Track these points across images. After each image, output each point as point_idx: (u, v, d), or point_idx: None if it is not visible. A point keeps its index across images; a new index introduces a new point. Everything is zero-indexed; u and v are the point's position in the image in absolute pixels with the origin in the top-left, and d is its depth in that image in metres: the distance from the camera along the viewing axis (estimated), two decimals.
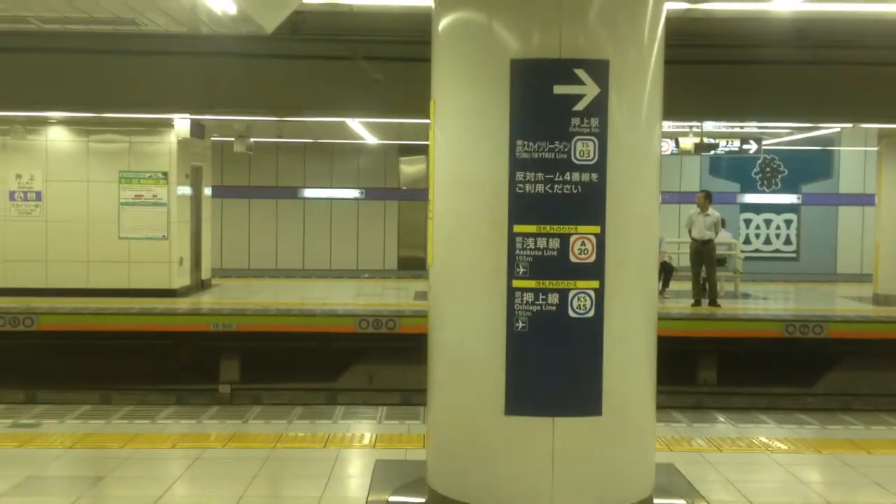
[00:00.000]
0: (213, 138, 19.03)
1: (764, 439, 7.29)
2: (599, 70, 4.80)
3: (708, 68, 12.39)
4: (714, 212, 15.38)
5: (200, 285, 17.55)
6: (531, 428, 4.91)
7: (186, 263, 16.71)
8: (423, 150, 22.78)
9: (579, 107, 4.79)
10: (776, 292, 18.73)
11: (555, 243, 4.83)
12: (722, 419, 10.66)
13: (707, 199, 15.39)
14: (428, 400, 5.37)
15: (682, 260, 19.14)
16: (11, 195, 16.07)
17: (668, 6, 5.20)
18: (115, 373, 13.75)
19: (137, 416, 9.41)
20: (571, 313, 4.85)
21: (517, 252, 4.85)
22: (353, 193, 24.70)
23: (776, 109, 13.07)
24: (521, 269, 4.85)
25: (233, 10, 7.52)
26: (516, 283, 4.86)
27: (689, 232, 15.47)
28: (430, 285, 5.31)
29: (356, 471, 6.38)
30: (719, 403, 12.93)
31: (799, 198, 24.77)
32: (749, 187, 24.80)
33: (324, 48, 12.01)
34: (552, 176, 4.80)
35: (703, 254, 15.23)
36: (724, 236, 17.10)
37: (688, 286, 16.07)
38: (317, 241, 24.65)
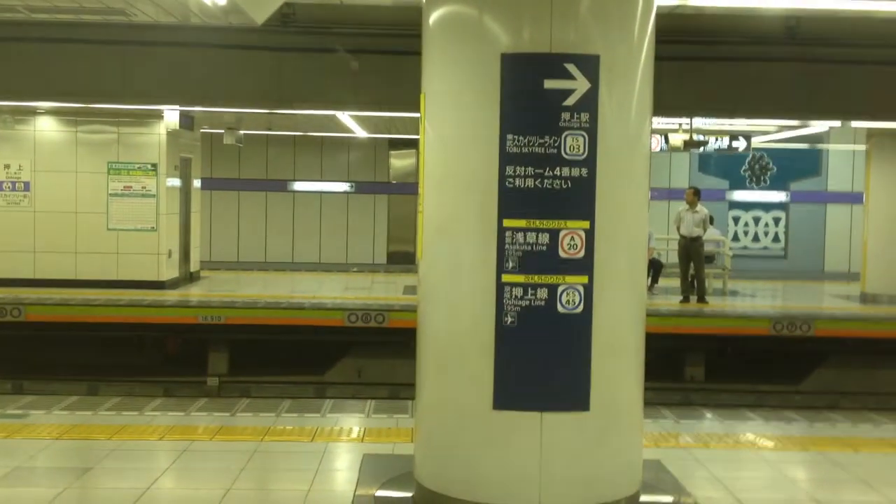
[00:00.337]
0: (202, 130, 18.97)
1: (751, 436, 7.31)
2: (590, 65, 4.80)
3: (698, 64, 12.41)
4: (702, 208, 15.40)
5: (189, 277, 17.50)
6: (519, 422, 4.92)
7: (175, 255, 16.66)
8: (413, 144, 22.78)
9: (569, 101, 4.79)
10: (764, 290, 18.77)
11: (544, 238, 4.83)
12: (709, 416, 10.68)
13: (696, 195, 15.42)
14: (416, 394, 5.36)
15: (671, 256, 19.17)
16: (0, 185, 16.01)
17: (658, 2, 5.21)
18: (103, 364, 13.72)
19: (125, 408, 9.39)
20: (560, 308, 4.86)
21: (506, 246, 4.85)
22: (342, 187, 24.67)
23: (766, 106, 13.09)
24: (511, 264, 4.85)
25: (223, 0, 7.49)
26: (505, 278, 4.86)
27: (678, 229, 15.49)
28: (420, 279, 5.31)
29: (344, 465, 6.38)
30: (707, 400, 12.97)
31: (787, 195, 24.83)
32: (738, 184, 24.85)
33: (314, 41, 11.98)
34: (542, 170, 4.81)
35: (692, 250, 15.26)
36: (712, 233, 17.13)
37: (676, 282, 16.10)
38: (306, 234, 24.61)
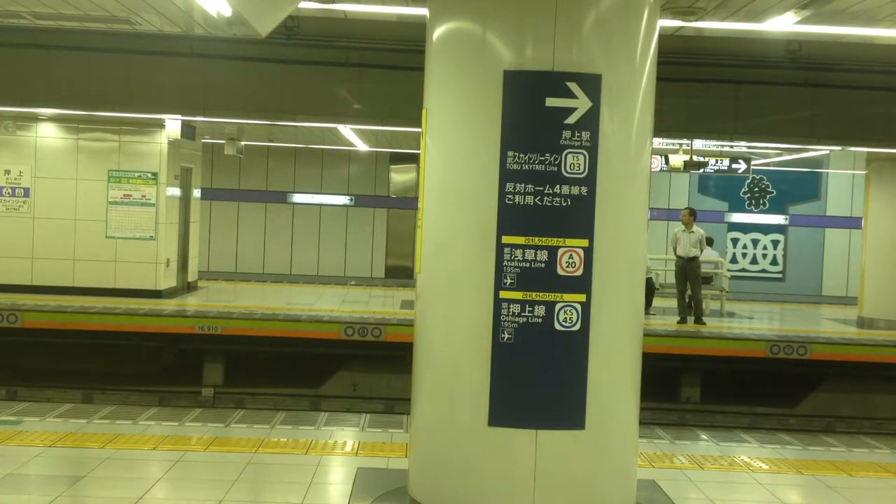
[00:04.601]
0: (203, 140, 18.99)
1: (746, 458, 7.30)
2: (592, 84, 4.82)
3: (699, 86, 12.45)
4: (698, 229, 15.39)
5: (186, 287, 17.49)
6: (514, 440, 4.91)
7: (173, 265, 16.65)
8: (413, 159, 22.79)
9: (571, 120, 4.80)
10: (761, 312, 18.77)
11: (543, 255, 4.84)
12: (704, 437, 10.67)
13: (691, 216, 15.42)
14: (411, 409, 5.36)
15: (669, 277, 19.18)
16: None
17: (660, 23, 5.23)
18: (98, 372, 13.69)
19: (119, 417, 9.35)
20: (557, 326, 4.86)
21: (505, 263, 4.86)
22: (342, 200, 24.69)
23: (766, 129, 13.13)
24: (509, 280, 4.86)
25: (228, 12, 7.50)
26: (503, 294, 4.87)
27: (674, 250, 15.48)
28: (417, 294, 5.31)
29: (337, 478, 6.36)
30: (702, 421, 12.95)
31: (786, 218, 24.87)
32: (737, 206, 24.89)
33: (318, 54, 12.02)
34: (542, 188, 4.82)
35: (689, 271, 15.25)
36: (710, 255, 17.12)
37: (673, 303, 16.09)
38: (305, 246, 24.61)
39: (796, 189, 24.70)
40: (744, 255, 24.98)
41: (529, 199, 4.82)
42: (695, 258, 15.20)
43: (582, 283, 4.87)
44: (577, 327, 4.87)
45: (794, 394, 13.90)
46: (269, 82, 12.40)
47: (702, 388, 13.92)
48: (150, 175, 15.95)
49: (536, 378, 4.90)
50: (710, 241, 16.21)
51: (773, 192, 24.81)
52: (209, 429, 7.78)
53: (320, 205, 24.66)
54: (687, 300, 15.38)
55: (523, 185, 4.82)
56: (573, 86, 4.80)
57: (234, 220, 24.41)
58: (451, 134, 5.07)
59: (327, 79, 12.33)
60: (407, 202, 23.78)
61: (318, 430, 8.00)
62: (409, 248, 23.27)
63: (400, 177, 24.44)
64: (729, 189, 24.68)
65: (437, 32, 5.13)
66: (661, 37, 5.18)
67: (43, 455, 6.55)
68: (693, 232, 15.21)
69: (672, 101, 11.84)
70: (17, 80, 12.46)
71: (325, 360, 13.90)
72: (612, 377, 5.04)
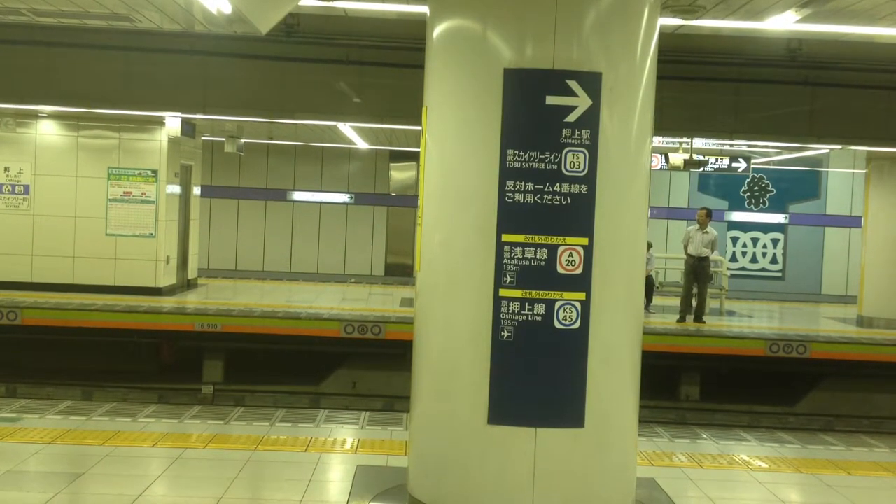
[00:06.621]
0: (203, 138, 18.98)
1: (745, 457, 7.30)
2: (592, 82, 4.82)
3: (699, 84, 12.45)
4: (712, 230, 15.36)
5: (186, 285, 17.49)
6: (513, 438, 4.91)
7: (173, 262, 16.65)
8: (413, 157, 22.80)
9: (571, 118, 4.80)
10: (761, 311, 18.77)
11: (542, 253, 4.84)
12: (704, 435, 10.67)
13: (708, 216, 15.38)
14: (411, 406, 5.36)
15: (669, 275, 19.18)
16: None
17: (661, 22, 5.23)
18: (98, 369, 13.69)
19: (118, 414, 9.36)
20: (557, 324, 4.86)
21: (505, 261, 4.86)
22: (342, 198, 24.69)
23: (766, 128, 13.14)
24: (508, 278, 4.86)
25: (228, 9, 7.50)
26: (503, 292, 4.87)
27: (686, 248, 15.45)
28: (417, 292, 5.31)
29: (337, 476, 6.37)
30: (701, 420, 12.96)
31: (786, 217, 24.88)
32: (737, 205, 24.90)
33: (317, 52, 12.03)
34: (542, 186, 4.82)
35: (699, 271, 15.22)
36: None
37: (672, 301, 16.07)
38: (305, 244, 24.61)
39: (796, 188, 24.70)
40: (743, 254, 24.98)
41: (529, 198, 4.82)
42: (706, 258, 15.20)
43: (581, 282, 4.87)
44: (576, 325, 4.88)
45: (794, 392, 13.91)
46: (270, 80, 12.40)
47: (701, 386, 13.93)
48: (150, 172, 15.95)
49: (536, 376, 4.90)
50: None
51: (772, 191, 24.82)
52: (209, 426, 7.78)
53: (320, 202, 24.66)
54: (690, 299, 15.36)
55: (523, 184, 4.82)
56: (573, 84, 4.80)
57: (234, 218, 24.41)
58: (452, 132, 5.07)
59: (327, 76, 12.33)
60: (407, 200, 23.78)
61: (317, 427, 8.01)
62: (408, 245, 23.27)
63: (400, 175, 24.45)
64: (729, 188, 24.68)
65: (438, 30, 5.13)
66: (661, 35, 5.18)
67: (42, 452, 6.55)
68: (707, 232, 15.19)
69: (672, 100, 11.84)
70: (17, 77, 12.46)
71: (325, 357, 13.91)
72: (612, 375, 5.04)
